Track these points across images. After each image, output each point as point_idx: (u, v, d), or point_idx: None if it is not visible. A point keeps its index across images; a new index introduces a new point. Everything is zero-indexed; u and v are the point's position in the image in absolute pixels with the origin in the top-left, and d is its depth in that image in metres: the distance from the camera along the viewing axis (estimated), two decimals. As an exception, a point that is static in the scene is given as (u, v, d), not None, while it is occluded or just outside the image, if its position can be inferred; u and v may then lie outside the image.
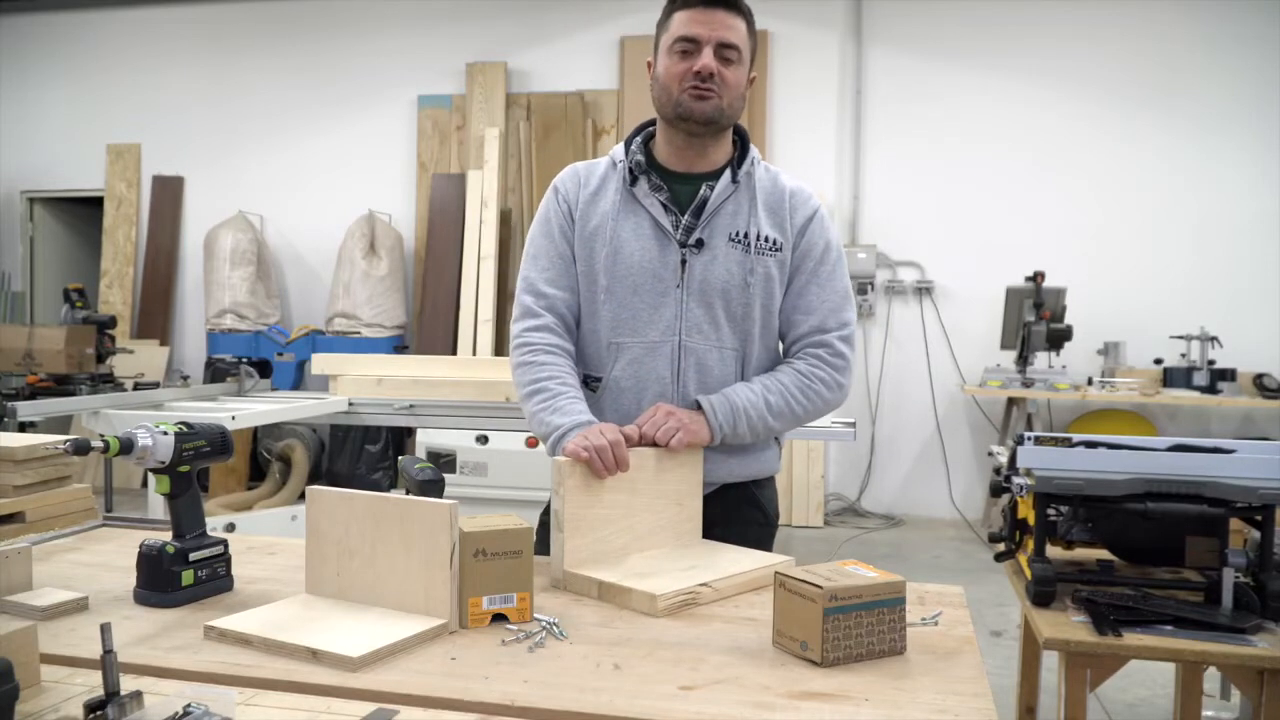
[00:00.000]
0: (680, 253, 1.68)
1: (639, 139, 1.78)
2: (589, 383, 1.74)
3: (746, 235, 1.69)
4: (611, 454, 1.48)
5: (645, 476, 1.54)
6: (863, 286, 6.32)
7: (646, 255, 1.69)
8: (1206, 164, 6.00)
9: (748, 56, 1.69)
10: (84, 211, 8.17)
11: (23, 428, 4.05)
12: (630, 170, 1.73)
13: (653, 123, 1.80)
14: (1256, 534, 1.76)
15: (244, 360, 6.33)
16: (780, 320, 1.76)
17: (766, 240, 1.70)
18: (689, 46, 1.65)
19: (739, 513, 1.75)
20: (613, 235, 1.70)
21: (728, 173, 1.72)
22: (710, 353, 1.69)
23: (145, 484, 6.20)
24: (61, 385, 4.59)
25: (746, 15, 1.69)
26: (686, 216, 1.70)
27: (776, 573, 1.21)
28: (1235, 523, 1.79)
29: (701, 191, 1.71)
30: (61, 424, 5.43)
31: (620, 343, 1.70)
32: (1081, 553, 2.01)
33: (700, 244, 1.68)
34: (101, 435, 1.35)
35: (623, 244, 1.69)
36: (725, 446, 1.69)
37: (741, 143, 1.77)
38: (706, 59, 1.63)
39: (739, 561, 1.49)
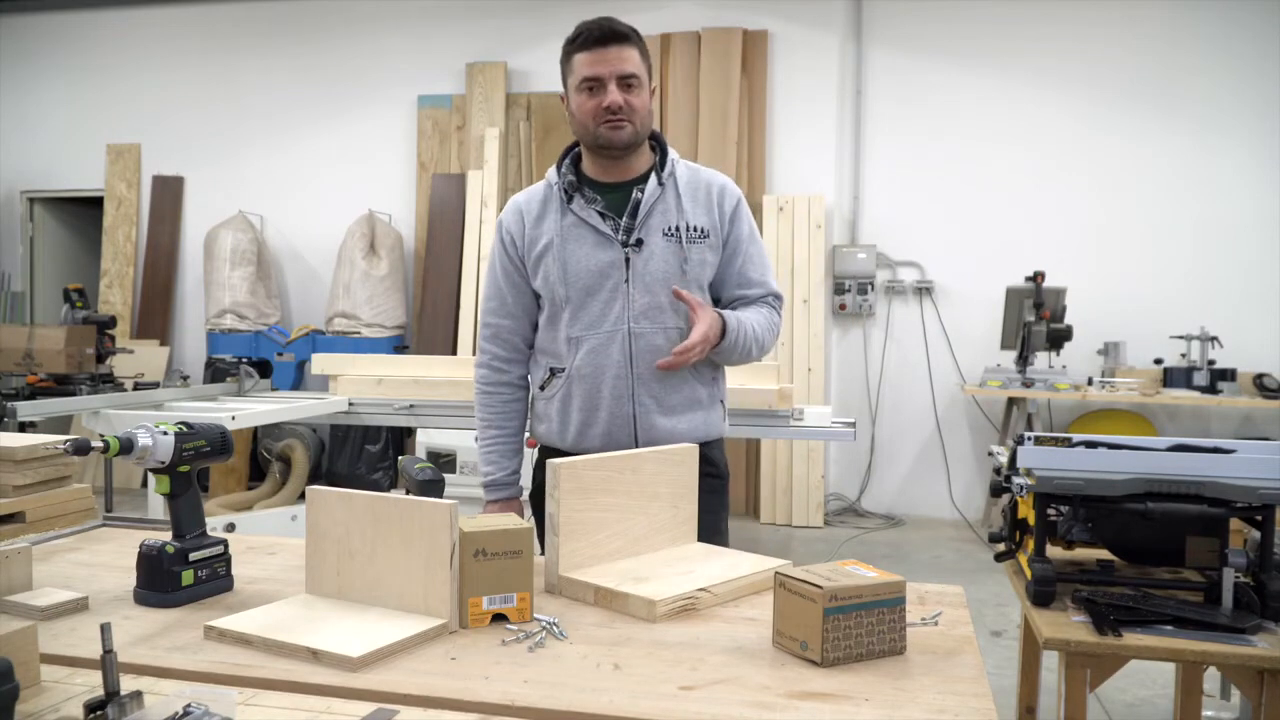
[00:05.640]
0: (624, 252, 1.89)
1: (568, 160, 1.99)
2: (555, 373, 1.96)
3: (678, 229, 1.91)
4: None
5: (640, 479, 1.54)
6: (863, 286, 6.33)
7: (593, 260, 1.89)
8: (1207, 164, 6.00)
9: (646, 77, 1.90)
10: (84, 211, 8.17)
11: (23, 428, 4.05)
12: (565, 190, 1.93)
13: (578, 144, 2.00)
14: (1256, 534, 1.76)
15: (244, 360, 6.34)
16: (724, 294, 1.99)
17: (696, 230, 1.93)
18: (594, 84, 1.85)
19: None
20: (560, 249, 1.90)
21: (654, 177, 1.93)
22: (657, 335, 1.90)
23: (145, 484, 6.20)
24: (61, 385, 4.59)
25: (636, 42, 1.89)
26: (624, 219, 1.91)
27: (777, 573, 1.21)
28: (1235, 523, 1.79)
29: (634, 195, 1.92)
30: (61, 424, 5.43)
31: (579, 336, 1.91)
32: (1081, 553, 2.01)
33: (640, 243, 1.89)
34: (101, 435, 1.35)
35: (570, 255, 1.90)
36: (671, 411, 1.91)
37: (660, 148, 1.98)
38: (613, 95, 1.84)
39: (737, 565, 1.48)
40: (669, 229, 1.90)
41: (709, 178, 1.99)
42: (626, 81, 1.85)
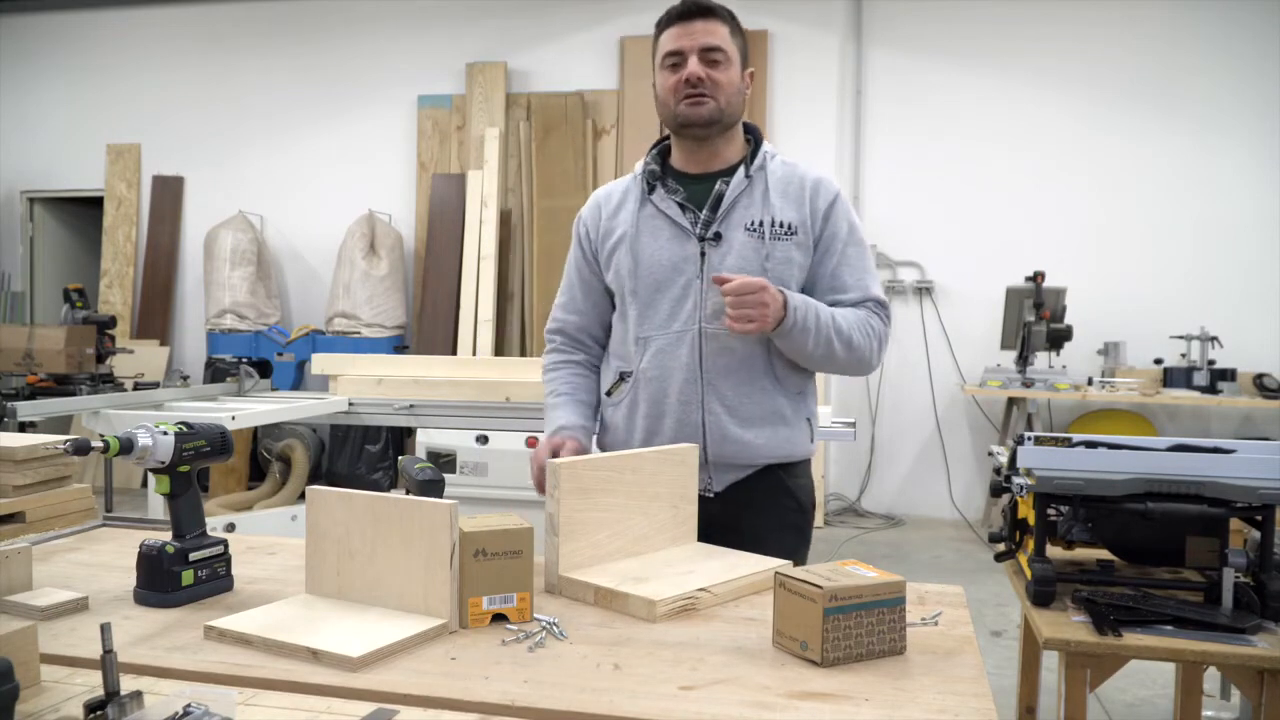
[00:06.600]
0: (699, 246, 1.76)
1: (655, 151, 1.88)
2: (624, 377, 1.84)
3: (761, 224, 1.75)
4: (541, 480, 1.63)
5: (640, 479, 1.54)
6: (863, 286, 6.31)
7: (666, 253, 1.77)
8: (1206, 164, 6.00)
9: (736, 56, 1.77)
10: (84, 211, 8.17)
11: (23, 428, 4.04)
12: (647, 180, 1.82)
13: (668, 136, 1.88)
14: (1256, 534, 1.76)
15: (244, 360, 6.33)
16: (816, 300, 1.78)
17: (783, 226, 1.76)
18: (677, 59, 1.75)
19: (772, 500, 1.78)
20: (633, 241, 1.79)
21: (741, 169, 1.79)
22: (732, 336, 1.72)
23: (145, 484, 6.20)
24: (61, 385, 4.59)
25: (726, 19, 1.78)
26: (705, 212, 1.77)
27: (777, 573, 1.21)
28: (1235, 523, 1.79)
29: (717, 187, 1.78)
30: (61, 424, 5.43)
31: (647, 336, 1.79)
32: (1081, 553, 2.01)
33: (718, 237, 1.75)
34: (101, 435, 1.35)
35: (643, 247, 1.78)
36: (747, 422, 1.73)
37: (755, 140, 1.85)
38: (693, 66, 1.73)
39: (736, 565, 1.48)
40: (752, 224, 1.74)
41: (805, 172, 1.82)
42: (710, 56, 1.73)
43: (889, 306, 1.83)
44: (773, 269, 1.73)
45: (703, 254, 1.75)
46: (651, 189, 1.81)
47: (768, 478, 1.78)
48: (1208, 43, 5.98)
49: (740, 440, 1.74)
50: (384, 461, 6.22)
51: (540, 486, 1.65)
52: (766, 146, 1.83)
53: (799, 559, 1.72)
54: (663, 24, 1.79)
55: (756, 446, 1.75)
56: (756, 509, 1.76)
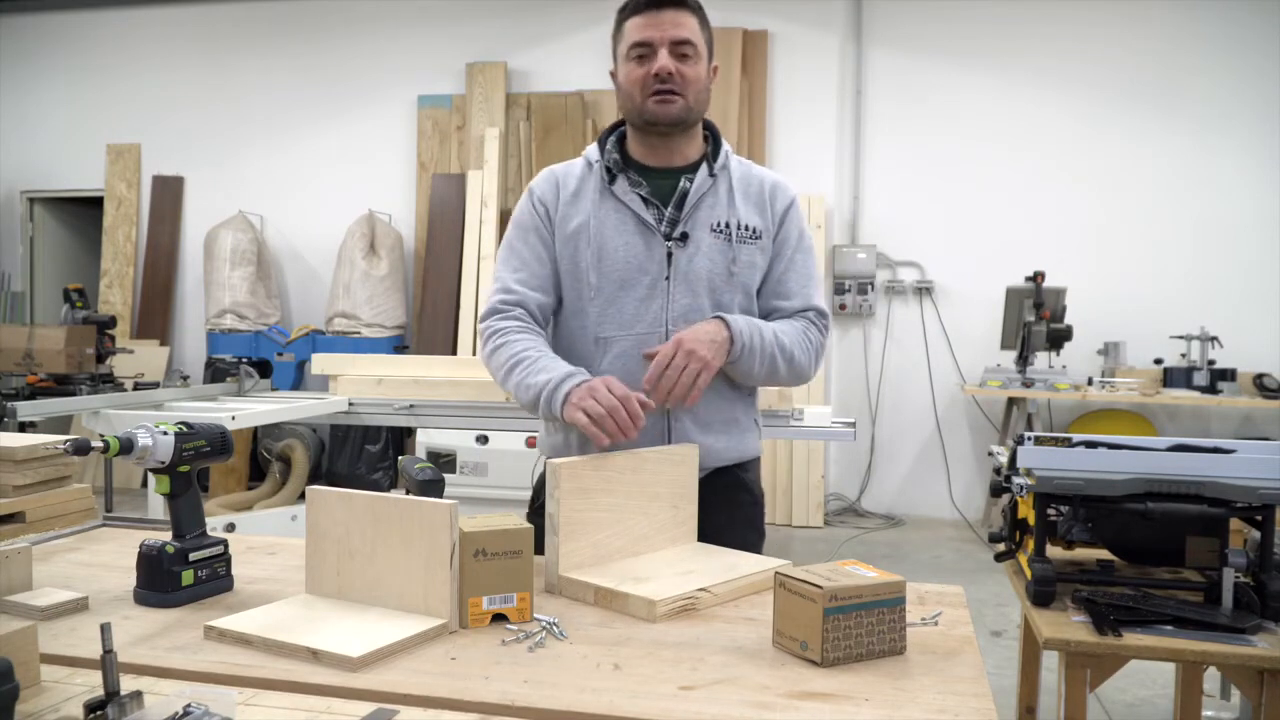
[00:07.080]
0: (665, 246, 1.71)
1: (613, 138, 1.81)
2: None
3: (727, 225, 1.73)
4: (624, 412, 1.51)
5: (641, 479, 1.54)
6: (863, 286, 6.33)
7: (632, 250, 1.71)
8: (1206, 164, 6.00)
9: (704, 50, 1.72)
10: (84, 211, 8.17)
11: (23, 428, 4.04)
12: (608, 169, 1.75)
13: (623, 122, 1.82)
14: (1256, 534, 1.76)
15: (244, 360, 6.33)
16: (759, 304, 1.80)
17: (747, 229, 1.74)
18: (644, 51, 1.69)
19: (728, 496, 1.79)
20: (596, 233, 1.72)
21: (704, 166, 1.76)
22: None
23: (145, 484, 6.20)
24: (61, 385, 4.59)
25: (695, 10, 1.72)
26: (669, 209, 1.73)
27: (777, 573, 1.21)
28: (1235, 523, 1.79)
29: (681, 184, 1.74)
30: (61, 424, 5.43)
31: (608, 337, 1.72)
32: (1081, 553, 2.01)
33: (685, 237, 1.71)
34: (101, 435, 1.35)
35: (606, 241, 1.71)
36: (707, 428, 1.72)
37: (713, 138, 1.82)
38: (663, 60, 1.67)
39: (737, 565, 1.48)
40: (718, 225, 1.72)
41: (763, 174, 1.82)
42: (681, 50, 1.67)
43: (829, 317, 1.83)
44: (739, 273, 1.72)
45: (669, 254, 1.70)
46: (612, 178, 1.74)
47: (724, 475, 1.80)
48: (1208, 43, 5.98)
49: (703, 445, 1.71)
50: (384, 461, 6.22)
51: (615, 426, 1.50)
52: (726, 145, 1.81)
53: (757, 549, 1.74)
54: (628, 10, 1.72)
55: (717, 451, 1.75)
56: (715, 507, 1.72)
